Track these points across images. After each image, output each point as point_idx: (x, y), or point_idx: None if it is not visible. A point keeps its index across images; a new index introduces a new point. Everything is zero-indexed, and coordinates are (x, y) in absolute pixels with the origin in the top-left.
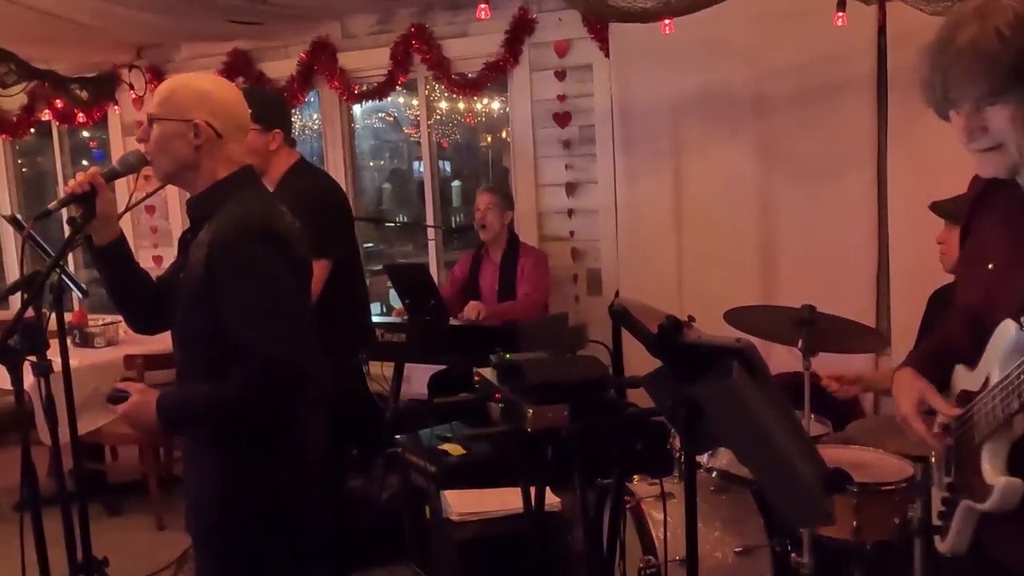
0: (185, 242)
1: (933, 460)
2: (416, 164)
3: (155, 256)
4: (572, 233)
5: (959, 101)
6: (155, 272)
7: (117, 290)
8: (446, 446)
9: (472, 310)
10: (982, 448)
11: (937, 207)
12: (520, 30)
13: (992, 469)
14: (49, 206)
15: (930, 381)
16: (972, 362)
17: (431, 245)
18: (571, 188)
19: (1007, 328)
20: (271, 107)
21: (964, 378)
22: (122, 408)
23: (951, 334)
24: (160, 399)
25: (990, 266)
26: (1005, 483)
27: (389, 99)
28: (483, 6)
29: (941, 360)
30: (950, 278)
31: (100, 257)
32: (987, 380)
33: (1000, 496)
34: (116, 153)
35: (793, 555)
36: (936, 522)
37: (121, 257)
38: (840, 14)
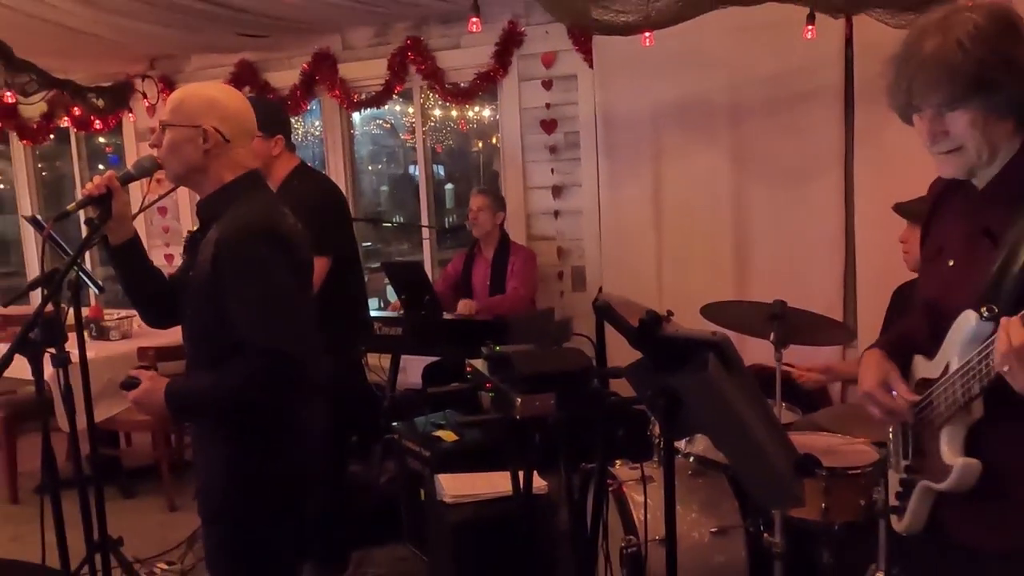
0: (193, 242)
1: (890, 445)
2: (412, 168)
3: (167, 254)
4: (558, 233)
5: (922, 107)
6: (166, 269)
7: (131, 286)
8: (440, 433)
9: (464, 307)
10: (941, 431)
11: (900, 208)
12: (509, 42)
13: (950, 451)
14: (68, 208)
15: (895, 365)
16: (931, 352)
17: (426, 244)
18: (557, 191)
19: (967, 318)
20: (273, 115)
21: (923, 367)
22: (133, 394)
23: (912, 326)
24: (168, 387)
25: (951, 262)
26: (963, 463)
27: (386, 107)
28: (475, 20)
29: (903, 349)
30: (913, 275)
31: (115, 255)
32: (947, 367)
33: (958, 476)
34: (130, 158)
35: (765, 535)
36: (893, 502)
37: (135, 255)
38: (810, 27)
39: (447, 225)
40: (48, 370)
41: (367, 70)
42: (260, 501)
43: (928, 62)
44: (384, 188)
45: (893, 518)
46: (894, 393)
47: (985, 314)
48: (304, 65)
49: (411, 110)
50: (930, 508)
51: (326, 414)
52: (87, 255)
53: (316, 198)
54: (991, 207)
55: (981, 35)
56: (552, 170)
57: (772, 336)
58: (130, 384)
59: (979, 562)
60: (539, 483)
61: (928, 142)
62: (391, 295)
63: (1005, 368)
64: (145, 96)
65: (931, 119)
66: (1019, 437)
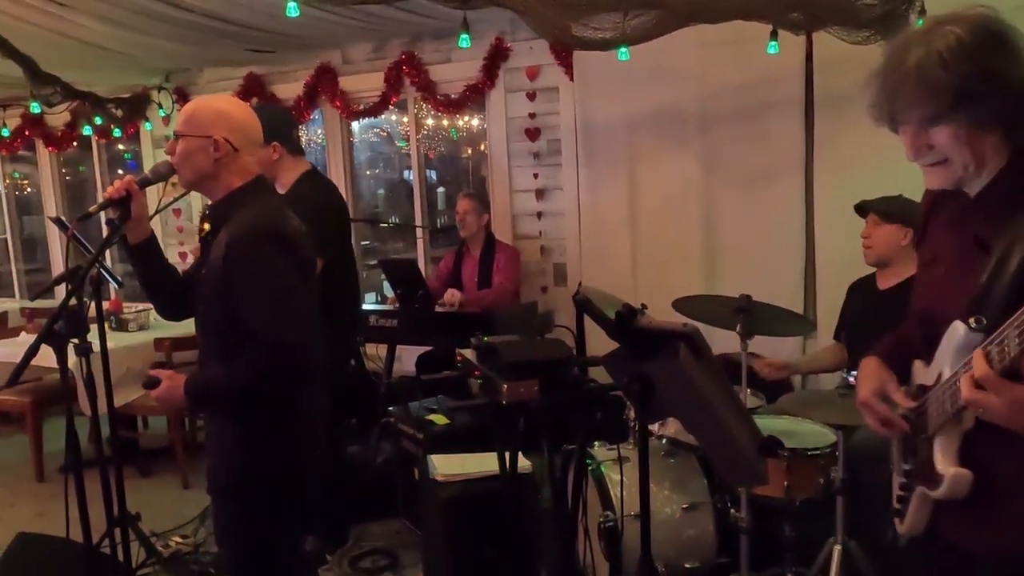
0: (206, 243)
1: (893, 448)
2: (406, 173)
3: (180, 253)
4: (541, 232)
5: (905, 121)
6: (181, 267)
7: (148, 282)
8: (432, 416)
9: (449, 296)
10: (935, 439)
11: (864, 205)
12: (496, 57)
13: (943, 459)
14: (90, 209)
15: (892, 373)
16: (928, 359)
17: (419, 243)
18: (540, 194)
19: (956, 329)
20: (268, 124)
21: (921, 373)
22: (155, 393)
23: (908, 332)
24: (187, 384)
25: (943, 270)
26: (954, 473)
27: (383, 116)
28: (464, 36)
29: (902, 355)
30: (867, 271)
31: (134, 253)
32: (939, 376)
33: (949, 485)
34: (147, 164)
35: (732, 511)
36: (896, 506)
37: (152, 253)
38: (773, 43)
39: (439, 225)
40: (72, 359)
41: (365, 82)
42: (266, 480)
43: (909, 78)
44: (381, 191)
45: (896, 521)
46: (897, 407)
47: (973, 324)
48: (307, 78)
49: (406, 119)
50: (930, 513)
51: (326, 400)
52: (107, 253)
53: (317, 203)
54: (982, 216)
55: (964, 49)
56: (535, 175)
57: (738, 327)
58: (151, 383)
59: (973, 564)
60: (524, 463)
61: (912, 155)
62: (387, 290)
63: (979, 410)
64: (161, 106)
65: (914, 133)
66: (1011, 445)
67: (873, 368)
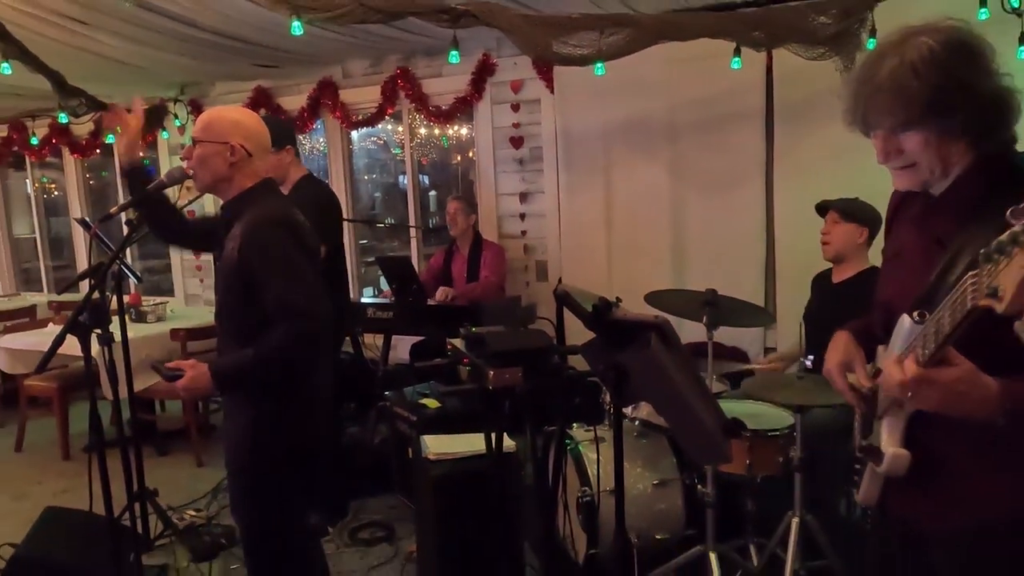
0: (219, 237)
1: (856, 424)
2: (401, 178)
3: (194, 252)
4: (524, 232)
5: (877, 126)
6: (196, 275)
7: (152, 220)
8: (425, 400)
9: (442, 294)
10: (883, 420)
11: (825, 204)
12: (483, 72)
13: (887, 439)
14: (111, 211)
15: (861, 349)
16: (887, 345)
17: (413, 242)
18: (523, 197)
19: (903, 321)
20: (280, 131)
21: (881, 358)
22: (181, 383)
23: (872, 321)
24: (213, 368)
25: (905, 267)
26: (892, 453)
27: (380, 126)
28: (454, 52)
29: (869, 337)
30: (823, 266)
31: (128, 177)
32: None
33: (888, 464)
34: (164, 169)
35: (699, 486)
36: (855, 478)
37: (161, 203)
38: (736, 58)
39: (431, 226)
40: (95, 348)
41: (363, 95)
42: (275, 461)
43: (883, 87)
44: (378, 194)
45: (854, 491)
46: (850, 376)
47: (916, 319)
48: (311, 91)
49: (400, 128)
50: (880, 487)
51: (329, 387)
52: (127, 250)
53: (320, 200)
54: (943, 216)
55: (936, 60)
56: (519, 179)
57: (705, 319)
58: (173, 376)
59: (925, 543)
60: (508, 443)
61: (882, 159)
62: (384, 284)
63: (912, 396)
64: (176, 117)
65: (884, 138)
66: (952, 429)
67: (844, 341)
